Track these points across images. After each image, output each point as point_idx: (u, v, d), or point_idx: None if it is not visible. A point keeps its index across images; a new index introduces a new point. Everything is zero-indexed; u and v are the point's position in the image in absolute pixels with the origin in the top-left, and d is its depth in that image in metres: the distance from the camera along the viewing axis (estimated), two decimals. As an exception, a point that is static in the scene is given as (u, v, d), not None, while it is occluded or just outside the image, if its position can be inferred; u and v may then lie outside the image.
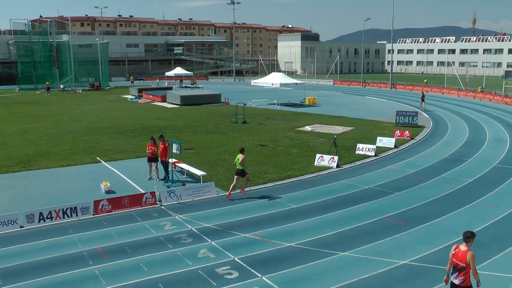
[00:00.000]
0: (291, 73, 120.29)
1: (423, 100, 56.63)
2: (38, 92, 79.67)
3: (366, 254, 14.96)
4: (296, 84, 66.34)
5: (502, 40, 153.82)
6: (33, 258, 14.71)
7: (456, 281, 10.38)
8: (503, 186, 22.98)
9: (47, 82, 79.26)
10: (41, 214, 17.75)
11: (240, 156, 20.78)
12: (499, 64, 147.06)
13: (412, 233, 16.86)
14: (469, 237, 10.46)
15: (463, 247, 10.41)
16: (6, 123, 43.35)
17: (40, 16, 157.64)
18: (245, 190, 21.38)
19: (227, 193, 21.08)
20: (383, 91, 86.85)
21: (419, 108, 54.75)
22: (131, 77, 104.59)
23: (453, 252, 10.50)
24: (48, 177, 24.47)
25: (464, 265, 10.24)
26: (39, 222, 17.65)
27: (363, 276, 13.43)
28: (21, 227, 17.33)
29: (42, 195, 21.15)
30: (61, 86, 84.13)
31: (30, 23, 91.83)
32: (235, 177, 20.90)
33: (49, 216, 17.86)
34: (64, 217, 18.13)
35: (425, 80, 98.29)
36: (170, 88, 77.51)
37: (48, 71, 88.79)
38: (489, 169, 26.57)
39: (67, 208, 18.27)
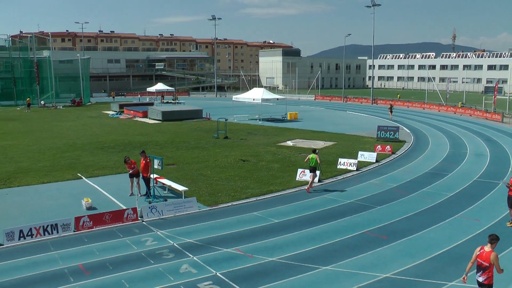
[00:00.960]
0: (272, 89, 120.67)
1: (391, 112, 63.70)
2: (18, 108, 78.87)
3: (348, 268, 15.01)
4: (277, 99, 66.57)
5: (482, 57, 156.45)
6: (13, 276, 14.49)
7: (480, 279, 11.73)
8: (484, 199, 23.25)
9: (28, 98, 78.45)
10: (21, 231, 17.52)
11: (314, 156, 24.68)
12: (478, 80, 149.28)
13: (394, 247, 16.97)
14: (494, 239, 11.84)
15: (487, 248, 11.73)
16: (-15, 140, 42.77)
17: (20, 31, 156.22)
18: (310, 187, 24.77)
19: (306, 188, 24.73)
20: (365, 106, 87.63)
21: (388, 119, 61.39)
22: (113, 93, 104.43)
23: (478, 253, 11.81)
24: (29, 194, 24.18)
25: (488, 265, 11.61)
26: (19, 239, 17.40)
27: (345, 290, 13.46)
28: (0, 244, 17.06)
29: (23, 212, 20.88)
30: (42, 102, 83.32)
31: (10, 38, 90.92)
32: (310, 174, 24.97)
33: (29, 233, 17.63)
34: (44, 234, 17.91)
35: (399, 95, 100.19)
36: (152, 104, 77.32)
37: (29, 87, 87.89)
38: (470, 183, 26.87)
39: (47, 225, 18.06)
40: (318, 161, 24.98)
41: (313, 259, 15.74)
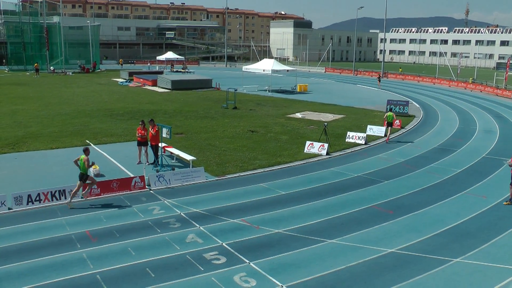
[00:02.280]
0: (282, 60, 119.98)
1: (379, 81, 71.93)
2: (28, 74, 78.94)
3: (353, 242, 15.03)
4: (287, 70, 66.17)
5: (495, 32, 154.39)
6: (20, 240, 14.65)
7: None
8: (492, 176, 23.14)
9: (36, 64, 78.42)
10: (29, 196, 17.66)
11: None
12: (490, 56, 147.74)
13: (400, 222, 16.96)
14: None
15: None
16: (-5, 104, 42.94)
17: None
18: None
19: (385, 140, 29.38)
20: (375, 80, 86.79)
21: (376, 87, 69.24)
22: (121, 60, 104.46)
23: None
24: (37, 159, 24.31)
25: None
26: (27, 204, 17.56)
27: (350, 264, 13.50)
28: (9, 209, 17.23)
29: (31, 177, 21.02)
30: (51, 68, 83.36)
31: (20, 3, 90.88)
32: (388, 128, 30.36)
33: (37, 198, 17.77)
34: (52, 200, 18.04)
35: (400, 69, 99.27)
36: (161, 72, 77.11)
37: (38, 52, 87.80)
38: (478, 159, 26.72)
39: (55, 191, 18.18)
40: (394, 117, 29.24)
41: (319, 232, 15.77)
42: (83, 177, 18.00)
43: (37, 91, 53.74)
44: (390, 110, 32.69)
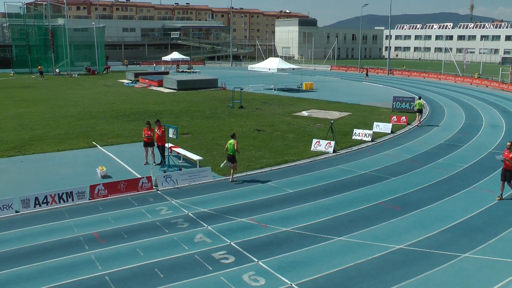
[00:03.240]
0: (288, 58, 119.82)
1: (367, 75, 78.49)
2: (33, 76, 79.18)
3: (362, 239, 15.00)
4: (293, 69, 66.08)
5: (499, 27, 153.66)
6: (28, 243, 14.69)
7: None
8: (498, 171, 22.78)
9: (40, 66, 78.63)
10: (36, 199, 17.72)
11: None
12: (496, 51, 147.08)
13: (408, 218, 16.90)
14: None
15: None
16: (1, 107, 43.11)
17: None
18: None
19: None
20: (380, 77, 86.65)
21: (364, 80, 75.45)
22: (126, 60, 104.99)
23: None
24: (44, 161, 24.39)
25: None
26: (34, 207, 17.62)
27: (359, 261, 13.48)
28: (16, 212, 17.29)
29: (38, 180, 21.09)
30: (57, 70, 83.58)
31: (25, 6, 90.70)
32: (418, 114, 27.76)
33: (44, 201, 17.83)
34: (60, 202, 18.09)
35: (403, 66, 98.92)
36: (167, 73, 77.20)
37: (44, 55, 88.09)
38: (485, 154, 26.60)
39: (63, 193, 18.23)
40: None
41: (327, 230, 15.75)
42: (233, 158, 20.93)
43: (43, 94, 53.92)
44: (419, 98, 38.07)
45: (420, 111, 36.81)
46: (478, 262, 13.48)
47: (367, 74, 79.48)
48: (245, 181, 21.28)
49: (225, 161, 21.51)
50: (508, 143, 18.69)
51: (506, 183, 18.70)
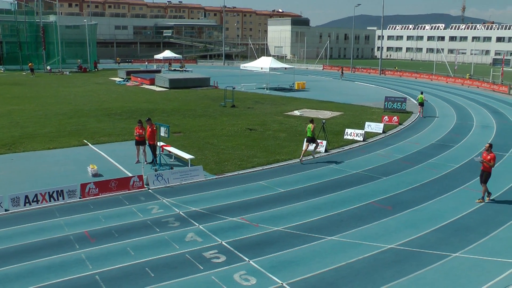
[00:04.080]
0: (280, 58, 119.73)
1: (342, 73, 79.80)
2: (24, 73, 78.62)
3: (353, 238, 15.02)
4: (285, 68, 66.10)
5: (491, 28, 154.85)
6: (18, 242, 14.57)
7: None
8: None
9: (30, 63, 78.27)
10: (26, 197, 17.58)
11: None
12: (487, 52, 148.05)
13: (399, 218, 16.96)
14: None
15: None
16: (-8, 105, 42.82)
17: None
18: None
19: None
20: (372, 77, 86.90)
21: (340, 77, 78.02)
22: (118, 58, 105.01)
23: None
24: (34, 159, 24.22)
25: None
26: (24, 205, 17.48)
27: (350, 260, 13.50)
28: (6, 210, 17.14)
29: (28, 178, 20.93)
30: (48, 67, 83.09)
31: (16, 2, 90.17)
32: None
33: (35, 199, 17.70)
34: (50, 200, 17.97)
35: (396, 68, 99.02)
36: (159, 71, 76.91)
37: (35, 52, 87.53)
38: (476, 154, 26.68)
39: (53, 191, 18.11)
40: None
41: (319, 229, 15.75)
42: (313, 139, 24.31)
43: (34, 91, 53.57)
44: (421, 93, 41.64)
45: (421, 104, 40.05)
46: (468, 261, 13.54)
47: (342, 73, 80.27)
48: (236, 180, 21.24)
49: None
50: (486, 145, 18.81)
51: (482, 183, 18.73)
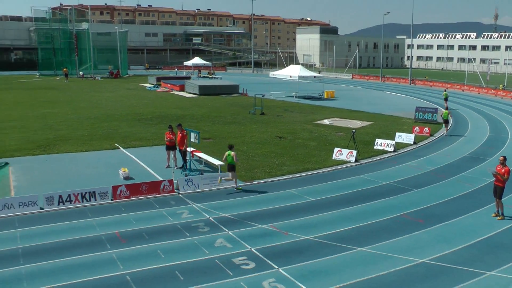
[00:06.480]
0: (309, 66, 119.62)
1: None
2: (58, 78, 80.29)
3: (384, 251, 14.81)
4: (314, 77, 66.02)
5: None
6: (52, 239, 14.91)
7: None
8: (524, 186, 22.60)
9: (65, 69, 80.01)
10: (60, 197, 17.98)
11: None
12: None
13: (431, 231, 16.65)
14: None
15: None
16: (27, 108, 43.76)
17: (61, 4, 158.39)
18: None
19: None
20: (402, 86, 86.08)
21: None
22: (147, 64, 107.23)
23: None
24: (67, 161, 24.65)
25: None
26: (58, 204, 17.88)
27: (381, 273, 13.31)
28: (41, 208, 17.54)
29: (61, 179, 21.32)
30: (81, 73, 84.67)
31: (50, 10, 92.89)
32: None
33: (68, 199, 18.06)
34: (83, 201, 18.29)
35: (426, 77, 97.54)
36: (189, 78, 77.59)
37: (68, 58, 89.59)
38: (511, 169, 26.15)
39: (86, 192, 18.43)
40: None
41: (349, 240, 15.61)
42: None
43: (67, 96, 54.55)
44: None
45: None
46: (504, 281, 13.16)
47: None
48: (266, 188, 21.22)
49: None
50: (501, 158, 18.16)
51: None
